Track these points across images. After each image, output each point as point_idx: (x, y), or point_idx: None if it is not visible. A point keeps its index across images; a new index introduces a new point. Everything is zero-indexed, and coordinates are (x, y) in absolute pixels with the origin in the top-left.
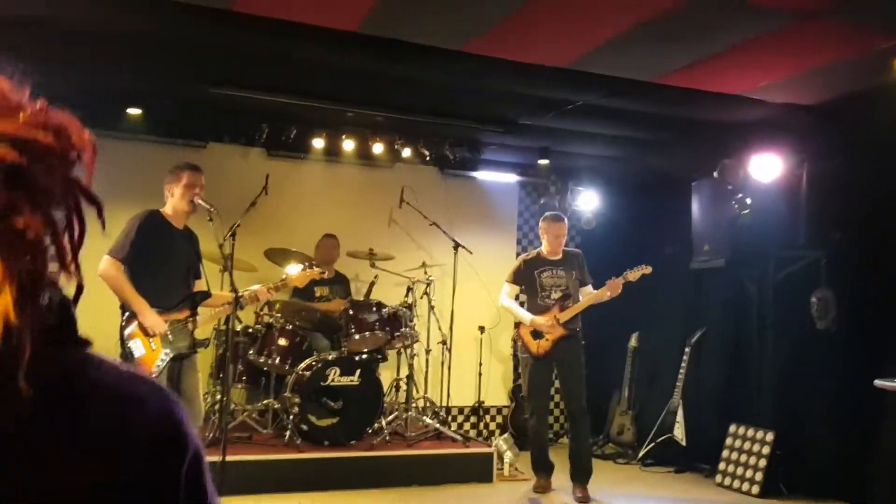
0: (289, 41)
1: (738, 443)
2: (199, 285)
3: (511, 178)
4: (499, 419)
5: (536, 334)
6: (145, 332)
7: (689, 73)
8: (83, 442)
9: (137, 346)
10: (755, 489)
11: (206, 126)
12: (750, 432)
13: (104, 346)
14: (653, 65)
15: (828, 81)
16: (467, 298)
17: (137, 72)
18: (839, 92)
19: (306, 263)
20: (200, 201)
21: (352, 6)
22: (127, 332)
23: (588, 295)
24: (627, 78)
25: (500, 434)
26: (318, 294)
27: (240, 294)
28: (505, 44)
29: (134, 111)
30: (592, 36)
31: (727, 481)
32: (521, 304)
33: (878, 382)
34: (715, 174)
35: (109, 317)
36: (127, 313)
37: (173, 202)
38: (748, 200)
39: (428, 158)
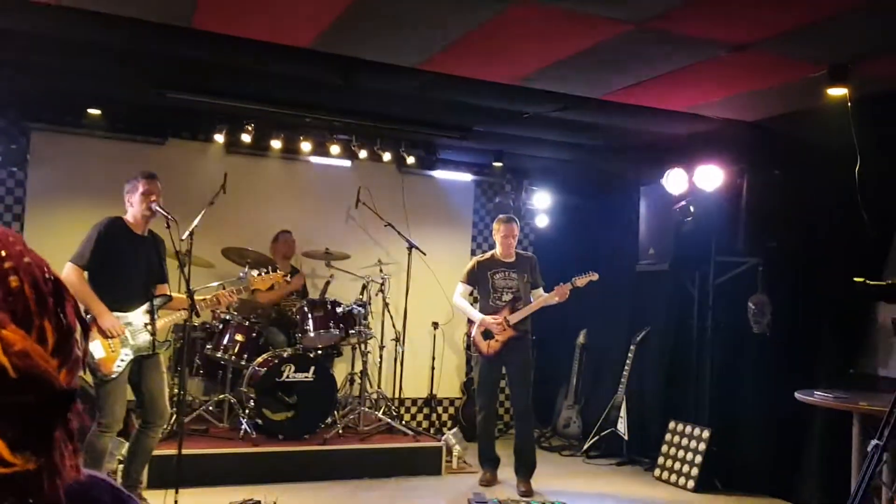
0: (246, 54)
1: (676, 438)
2: (162, 289)
3: (467, 177)
4: (451, 410)
5: (487, 334)
6: (104, 334)
7: (632, 92)
8: None
9: (97, 348)
10: (691, 483)
11: (164, 123)
12: (688, 429)
13: None
14: (598, 84)
15: (764, 102)
16: (422, 294)
17: (99, 76)
18: (775, 111)
19: (269, 267)
20: (158, 208)
21: (305, 26)
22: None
23: (538, 298)
24: (575, 95)
25: (452, 426)
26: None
27: (201, 298)
28: (457, 63)
29: (94, 111)
30: (539, 58)
31: (665, 475)
32: (475, 303)
33: (798, 395)
34: (661, 181)
35: None
36: (88, 316)
37: (133, 211)
38: (691, 208)
39: (385, 159)
